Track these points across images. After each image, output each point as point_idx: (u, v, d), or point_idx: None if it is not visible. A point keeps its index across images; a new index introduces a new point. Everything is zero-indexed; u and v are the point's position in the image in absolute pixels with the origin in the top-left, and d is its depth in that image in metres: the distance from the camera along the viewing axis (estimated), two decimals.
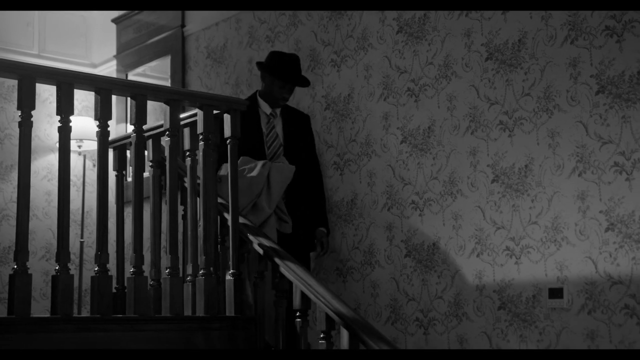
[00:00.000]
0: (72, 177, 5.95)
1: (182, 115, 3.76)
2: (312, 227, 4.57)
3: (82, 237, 6.00)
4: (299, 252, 4.28)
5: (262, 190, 4.28)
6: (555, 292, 3.75)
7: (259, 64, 4.59)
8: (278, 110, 4.58)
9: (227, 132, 3.78)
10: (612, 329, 3.55)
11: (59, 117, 3.32)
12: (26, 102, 3.21)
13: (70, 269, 3.23)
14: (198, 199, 3.73)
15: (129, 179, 4.92)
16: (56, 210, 3.28)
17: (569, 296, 3.71)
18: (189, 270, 3.68)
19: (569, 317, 3.70)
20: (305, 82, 4.59)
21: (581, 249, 3.69)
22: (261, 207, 4.26)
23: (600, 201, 3.64)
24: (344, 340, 3.39)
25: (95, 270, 3.32)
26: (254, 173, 4.30)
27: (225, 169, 4.21)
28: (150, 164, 3.89)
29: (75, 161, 5.96)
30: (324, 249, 4.58)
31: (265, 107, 4.56)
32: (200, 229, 3.68)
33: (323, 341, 3.50)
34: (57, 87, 3.33)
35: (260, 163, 4.35)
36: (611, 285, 3.58)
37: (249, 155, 4.40)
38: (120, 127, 6.13)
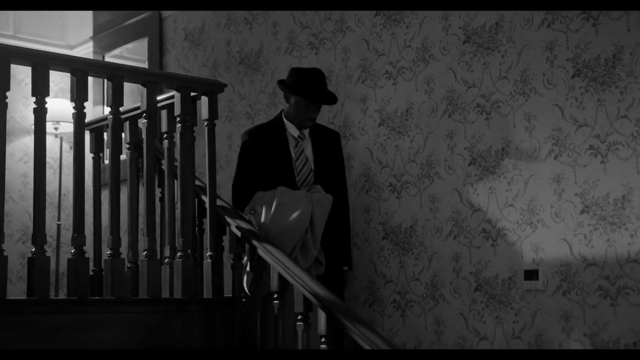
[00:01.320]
0: (48, 159, 5.90)
1: (159, 98, 3.75)
2: (336, 263, 4.19)
3: (59, 220, 5.97)
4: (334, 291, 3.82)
5: (307, 228, 3.92)
6: (531, 274, 3.78)
7: (280, 82, 4.21)
8: (306, 131, 4.19)
9: (205, 114, 3.77)
10: (587, 310, 3.59)
11: (34, 99, 3.29)
12: (1, 84, 3.18)
13: (46, 251, 3.21)
14: (175, 181, 3.72)
15: (106, 162, 4.90)
16: (32, 193, 3.26)
17: (544, 278, 3.75)
18: (167, 252, 3.68)
19: (544, 299, 3.74)
20: (332, 99, 4.18)
21: (556, 231, 3.72)
22: (308, 248, 3.92)
23: (576, 184, 3.68)
24: (321, 322, 3.41)
25: (72, 253, 3.31)
26: (301, 207, 3.91)
27: (258, 202, 3.97)
28: (128, 146, 3.87)
29: (51, 143, 5.92)
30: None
31: (292, 129, 4.17)
32: (178, 212, 3.67)
33: (300, 323, 3.51)
34: (32, 68, 3.31)
35: (303, 197, 3.96)
36: (586, 267, 3.62)
37: (278, 183, 4.04)
38: (97, 109, 6.09)
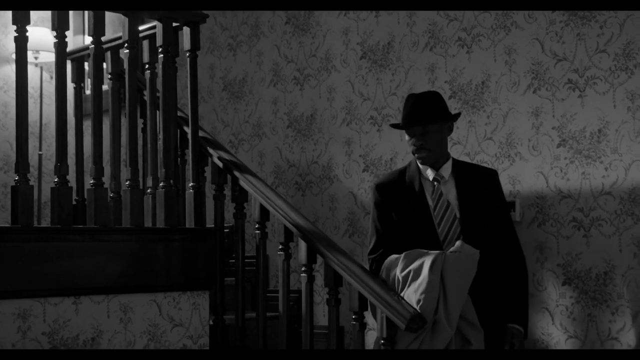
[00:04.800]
0: (29, 88, 5.87)
1: (140, 28, 3.73)
2: (501, 322, 3.38)
3: (40, 150, 5.97)
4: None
5: (438, 302, 3.12)
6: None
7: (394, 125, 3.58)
8: (447, 172, 3.43)
9: (187, 45, 3.76)
10: (561, 241, 3.68)
11: (14, 27, 3.27)
12: None
13: (29, 180, 3.24)
14: (157, 112, 3.73)
15: (88, 92, 4.89)
16: (14, 122, 3.28)
17: (521, 210, 3.82)
18: (149, 182, 3.71)
19: (520, 230, 3.81)
20: (431, 118, 3.35)
21: (533, 164, 3.79)
22: (441, 328, 3.10)
23: (554, 117, 3.73)
24: (302, 252, 3.48)
25: (55, 182, 3.34)
26: (421, 283, 3.13)
27: (384, 271, 3.35)
28: (109, 76, 3.87)
29: (31, 73, 5.87)
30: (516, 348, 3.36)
31: (428, 172, 3.44)
32: (160, 142, 3.70)
33: (281, 252, 3.58)
34: None
35: (427, 263, 3.16)
36: (561, 199, 3.69)
37: (418, 244, 3.31)
38: (77, 39, 6.03)
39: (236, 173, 3.74)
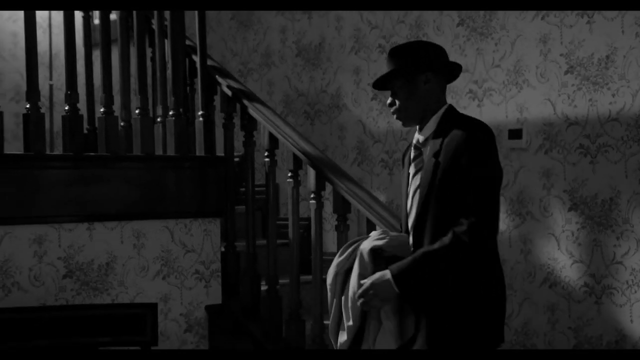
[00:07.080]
0: (37, 18, 5.86)
1: None
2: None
3: (51, 80, 6.00)
4: None
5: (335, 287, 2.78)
6: (515, 133, 3.88)
7: None
8: (427, 133, 2.66)
9: None
10: (567, 168, 3.71)
11: None
12: None
13: (40, 108, 3.28)
14: (166, 40, 3.74)
15: (96, 21, 4.89)
16: (23, 52, 3.29)
17: (528, 137, 3.84)
18: (159, 111, 3.74)
19: (526, 157, 3.85)
20: (389, 73, 2.67)
21: (541, 91, 3.79)
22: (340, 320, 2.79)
23: (562, 44, 3.72)
24: (310, 179, 3.52)
25: (65, 110, 3.38)
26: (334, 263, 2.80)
27: None
28: None
29: None
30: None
31: (416, 136, 2.73)
32: (169, 72, 3.72)
33: (291, 180, 3.63)
34: None
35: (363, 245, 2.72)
36: (568, 126, 3.71)
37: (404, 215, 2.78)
38: None
39: (245, 102, 3.76)
